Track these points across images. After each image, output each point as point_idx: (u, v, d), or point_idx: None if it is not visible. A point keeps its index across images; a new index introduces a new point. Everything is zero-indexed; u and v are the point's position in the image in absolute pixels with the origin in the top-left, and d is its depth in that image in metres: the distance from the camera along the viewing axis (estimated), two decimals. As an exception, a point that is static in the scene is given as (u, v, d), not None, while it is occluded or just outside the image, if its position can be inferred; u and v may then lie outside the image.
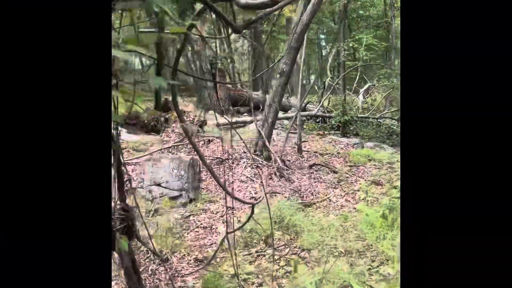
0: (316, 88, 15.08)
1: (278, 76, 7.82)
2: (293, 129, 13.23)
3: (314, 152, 9.22)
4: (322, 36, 20.49)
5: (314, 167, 8.03)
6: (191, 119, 9.09)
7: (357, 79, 15.03)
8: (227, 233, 2.47)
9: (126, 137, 9.09)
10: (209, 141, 8.30)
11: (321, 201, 6.05)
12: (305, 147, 9.72)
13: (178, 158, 5.95)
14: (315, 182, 7.14)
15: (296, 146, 8.99)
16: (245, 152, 7.85)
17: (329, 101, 14.53)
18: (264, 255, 4.14)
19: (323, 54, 17.38)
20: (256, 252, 4.24)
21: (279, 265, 3.94)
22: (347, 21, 15.61)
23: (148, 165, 5.84)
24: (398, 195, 6.38)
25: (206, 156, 7.46)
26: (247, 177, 6.99)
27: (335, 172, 7.83)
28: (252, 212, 2.31)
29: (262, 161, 7.63)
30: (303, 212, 5.51)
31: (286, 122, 13.90)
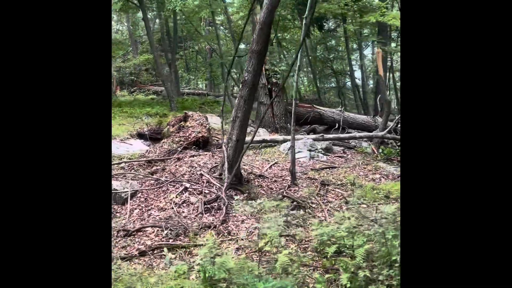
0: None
1: (240, 86, 6.50)
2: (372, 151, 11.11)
3: (322, 181, 7.36)
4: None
5: (285, 199, 6.37)
6: (187, 135, 8.33)
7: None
8: None
9: (133, 148, 8.89)
10: (178, 159, 7.41)
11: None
12: (319, 174, 7.91)
13: None
14: (251, 219, 5.60)
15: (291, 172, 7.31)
16: (202, 175, 6.72)
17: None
18: None
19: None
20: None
21: None
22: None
23: None
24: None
25: (144, 176, 6.63)
26: (171, 203, 5.91)
27: (303, 209, 6.07)
28: None
29: (217, 187, 6.38)
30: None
31: (365, 144, 11.79)
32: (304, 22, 6.75)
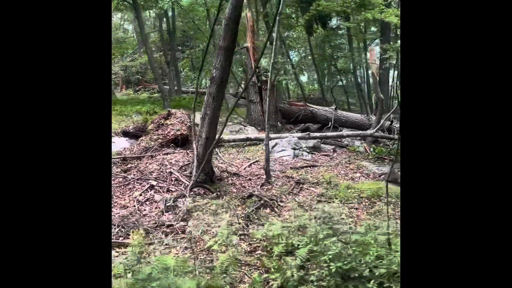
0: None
1: (209, 83, 6.42)
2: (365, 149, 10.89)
3: (297, 180, 7.23)
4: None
5: (253, 198, 6.27)
6: (165, 133, 8.28)
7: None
8: None
9: (115, 146, 8.85)
10: (152, 157, 7.37)
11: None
12: (297, 172, 7.76)
13: None
14: (210, 218, 5.51)
15: (265, 170, 7.20)
16: (171, 173, 6.66)
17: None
18: None
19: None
20: None
21: None
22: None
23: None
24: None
25: (114, 174, 6.60)
26: (135, 201, 5.86)
27: (270, 207, 5.97)
28: None
29: (185, 185, 6.33)
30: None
31: (357, 143, 11.58)
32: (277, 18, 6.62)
